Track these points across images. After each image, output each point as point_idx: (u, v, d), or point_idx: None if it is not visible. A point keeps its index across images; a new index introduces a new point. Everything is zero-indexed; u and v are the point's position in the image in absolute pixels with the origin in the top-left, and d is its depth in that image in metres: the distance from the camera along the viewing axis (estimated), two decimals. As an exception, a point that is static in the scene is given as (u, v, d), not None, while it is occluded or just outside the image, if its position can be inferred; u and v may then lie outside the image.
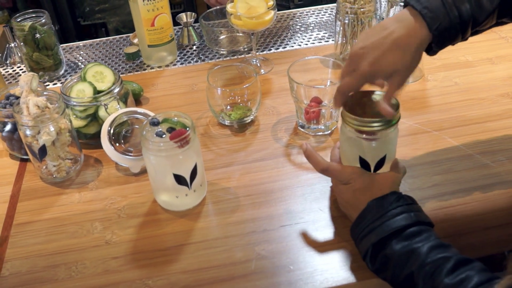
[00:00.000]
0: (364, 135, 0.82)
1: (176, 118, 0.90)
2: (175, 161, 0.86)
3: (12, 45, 1.43)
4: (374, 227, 0.76)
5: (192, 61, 1.38)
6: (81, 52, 1.48)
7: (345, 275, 0.80)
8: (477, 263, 0.69)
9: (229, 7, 1.22)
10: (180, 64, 1.38)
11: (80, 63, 1.43)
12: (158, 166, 0.87)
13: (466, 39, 0.81)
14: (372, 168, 0.86)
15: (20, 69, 1.42)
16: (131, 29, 2.00)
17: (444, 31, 0.76)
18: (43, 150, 0.97)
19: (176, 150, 0.85)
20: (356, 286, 0.79)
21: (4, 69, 1.43)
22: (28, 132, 0.96)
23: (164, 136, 0.88)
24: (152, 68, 1.36)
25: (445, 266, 0.68)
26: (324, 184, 0.96)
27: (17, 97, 1.05)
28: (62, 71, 1.36)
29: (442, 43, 0.78)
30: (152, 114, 1.04)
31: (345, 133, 0.85)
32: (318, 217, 0.90)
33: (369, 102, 0.83)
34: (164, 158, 0.86)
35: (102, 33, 2.89)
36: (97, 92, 1.06)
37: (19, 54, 1.42)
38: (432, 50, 0.80)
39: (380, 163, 0.85)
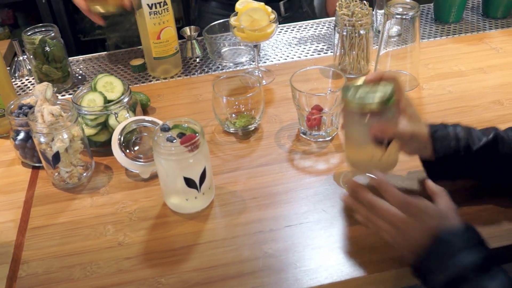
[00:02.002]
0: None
1: (186, 124, 0.95)
2: (185, 165, 0.91)
3: (21, 58, 1.47)
4: (446, 266, 0.73)
5: (196, 73, 1.43)
6: (88, 65, 1.52)
7: (348, 270, 0.84)
8: None
9: (232, 20, 1.27)
10: (185, 75, 1.42)
11: (86, 76, 1.47)
12: (169, 169, 0.92)
13: None
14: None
15: (29, 82, 1.47)
16: (131, 44, 2.05)
17: None
18: (56, 157, 1.01)
19: (186, 154, 0.89)
20: (359, 280, 0.84)
21: (13, 82, 1.47)
22: (42, 140, 1.00)
23: (174, 141, 0.92)
24: (157, 79, 1.41)
25: None
26: (326, 186, 1.01)
27: (30, 107, 1.09)
28: (70, 83, 1.41)
29: None
30: (159, 122, 1.08)
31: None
32: (322, 217, 0.94)
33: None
34: (174, 162, 0.90)
35: (101, 49, 2.94)
36: (107, 101, 1.11)
37: (28, 67, 1.47)
38: None
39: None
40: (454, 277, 0.72)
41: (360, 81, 0.88)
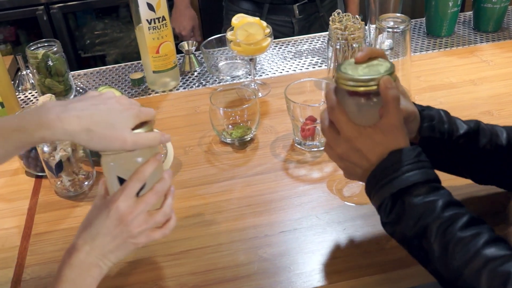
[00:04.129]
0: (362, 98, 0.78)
1: None
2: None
3: (24, 72, 1.51)
4: (394, 177, 0.74)
5: (194, 86, 1.47)
6: (89, 79, 1.57)
7: (341, 274, 0.87)
8: (487, 225, 0.71)
9: (229, 35, 1.32)
10: (183, 89, 1.46)
11: (88, 89, 1.51)
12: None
13: None
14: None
15: (32, 95, 1.51)
16: (130, 60, 2.10)
17: None
18: (59, 166, 1.05)
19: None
20: (352, 284, 0.87)
21: (17, 95, 1.51)
22: (45, 149, 1.04)
23: None
24: (156, 92, 1.45)
25: (459, 221, 0.70)
26: (319, 194, 1.04)
27: (34, 118, 1.13)
28: (72, 96, 1.45)
29: None
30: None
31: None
32: (315, 223, 0.98)
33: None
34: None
35: (101, 65, 2.98)
36: (108, 113, 1.14)
37: (31, 81, 1.51)
38: None
39: None
40: (403, 188, 0.74)
41: (349, 61, 0.80)
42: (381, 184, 0.76)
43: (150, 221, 0.78)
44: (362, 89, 0.76)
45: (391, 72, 0.76)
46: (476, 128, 0.88)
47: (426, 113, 0.86)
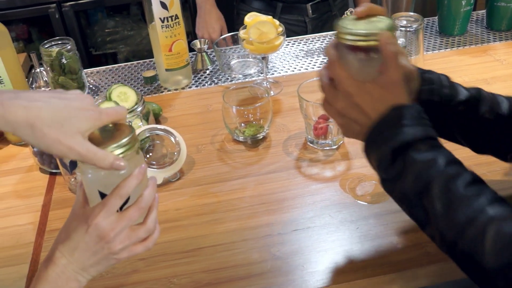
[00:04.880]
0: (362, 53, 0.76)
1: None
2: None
3: (38, 70, 1.52)
4: (395, 133, 0.72)
5: (206, 84, 1.48)
6: (102, 77, 1.57)
7: (354, 272, 0.88)
8: (488, 185, 0.70)
9: (241, 33, 1.32)
10: (195, 87, 1.47)
11: (100, 86, 1.52)
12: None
13: None
14: None
15: (45, 93, 1.51)
16: (141, 58, 2.11)
17: None
18: (73, 163, 1.06)
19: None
20: (364, 283, 0.87)
21: (29, 93, 1.52)
22: (60, 146, 1.04)
23: None
24: (169, 90, 1.46)
25: (462, 178, 0.68)
26: (332, 193, 1.04)
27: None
28: (85, 94, 1.45)
29: None
30: (172, 130, 1.12)
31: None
32: (328, 222, 0.98)
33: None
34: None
35: (112, 63, 3.00)
36: (121, 110, 1.15)
37: (45, 79, 1.52)
38: None
39: None
40: (405, 143, 0.72)
41: (350, 17, 0.79)
42: (380, 140, 0.74)
43: (132, 237, 0.73)
44: (361, 43, 0.74)
45: (391, 28, 0.75)
46: (477, 95, 0.86)
47: (426, 76, 0.84)
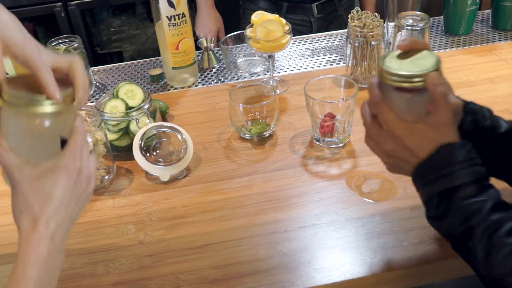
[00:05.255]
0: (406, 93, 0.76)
1: None
2: None
3: (45, 68, 1.53)
4: (444, 174, 0.73)
5: (212, 83, 1.48)
6: (108, 75, 1.58)
7: (360, 269, 0.88)
8: None
9: (248, 32, 1.32)
10: (202, 85, 1.47)
11: (107, 84, 1.53)
12: None
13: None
14: None
15: (52, 90, 1.52)
16: (146, 56, 2.11)
17: None
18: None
19: None
20: (371, 279, 0.87)
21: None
22: (68, 143, 1.05)
23: None
24: (175, 88, 1.46)
25: (505, 226, 0.69)
26: (338, 190, 1.05)
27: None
28: (92, 92, 1.46)
29: None
30: (178, 128, 1.13)
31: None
32: (334, 219, 0.98)
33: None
34: None
35: (117, 61, 3.00)
36: (128, 108, 1.16)
37: (51, 76, 1.52)
38: None
39: None
40: (452, 187, 0.73)
41: (392, 54, 0.79)
42: (429, 179, 0.75)
43: (92, 166, 0.73)
44: (407, 85, 0.75)
45: (437, 66, 0.75)
46: None
47: (470, 107, 0.84)
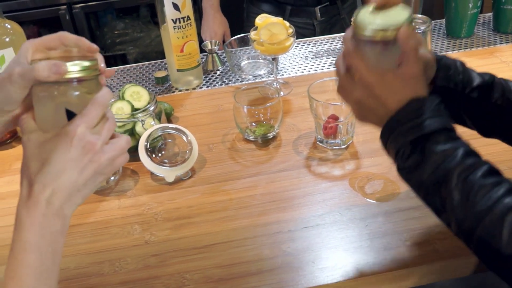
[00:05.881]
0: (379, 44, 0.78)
1: None
2: None
3: (51, 70, 1.55)
4: (414, 125, 0.74)
5: (216, 85, 1.50)
6: (113, 77, 1.60)
7: (363, 269, 0.89)
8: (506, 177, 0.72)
9: (252, 34, 1.34)
10: (206, 87, 1.49)
11: (112, 86, 1.54)
12: None
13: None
14: None
15: (58, 92, 1.54)
16: (150, 59, 2.13)
17: None
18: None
19: None
20: (373, 279, 0.88)
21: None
22: (74, 144, 1.06)
23: None
24: (180, 90, 1.48)
25: (480, 169, 0.71)
26: (342, 191, 1.06)
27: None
28: (97, 94, 1.47)
29: None
30: (183, 129, 1.14)
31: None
32: (337, 220, 0.99)
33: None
34: None
35: (121, 64, 3.02)
36: (134, 109, 1.17)
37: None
38: None
39: None
40: (423, 135, 0.74)
41: (367, 8, 0.80)
42: (399, 131, 0.76)
43: (116, 147, 0.69)
44: (379, 37, 0.76)
45: (410, 20, 0.77)
46: (490, 82, 0.88)
47: (443, 62, 0.86)
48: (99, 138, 0.67)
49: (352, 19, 0.80)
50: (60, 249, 0.68)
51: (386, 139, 0.79)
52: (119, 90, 1.22)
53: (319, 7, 1.87)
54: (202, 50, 1.54)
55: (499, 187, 0.69)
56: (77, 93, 0.68)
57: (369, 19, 0.77)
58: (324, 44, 1.68)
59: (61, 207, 0.66)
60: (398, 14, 0.77)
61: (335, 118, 1.16)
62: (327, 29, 1.94)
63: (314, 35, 1.89)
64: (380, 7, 0.79)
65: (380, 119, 0.79)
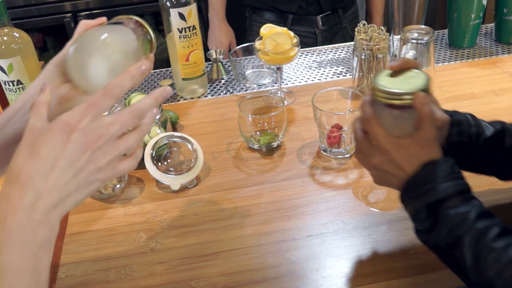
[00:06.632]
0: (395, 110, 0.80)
1: None
2: None
3: (57, 78, 1.56)
4: (429, 189, 0.77)
5: (221, 93, 1.51)
6: (118, 85, 1.61)
7: (367, 277, 0.90)
8: None
9: (257, 44, 1.35)
10: (211, 96, 1.50)
11: (117, 95, 1.55)
12: None
13: None
14: None
15: (64, 100, 1.55)
16: (153, 67, 2.13)
17: None
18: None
19: None
20: (377, 287, 0.89)
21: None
22: (81, 152, 1.07)
23: None
24: (185, 99, 1.49)
25: (491, 232, 0.72)
26: (345, 200, 1.07)
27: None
28: (103, 102, 1.49)
29: None
30: (189, 137, 1.16)
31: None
32: (341, 228, 1.00)
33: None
34: None
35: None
36: (140, 118, 1.18)
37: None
38: None
39: None
40: (438, 200, 0.76)
41: (384, 72, 0.83)
42: (416, 195, 0.78)
43: (121, 147, 0.60)
44: (397, 102, 0.79)
45: (426, 85, 0.79)
46: (501, 129, 0.91)
47: (455, 118, 0.89)
48: (104, 135, 0.57)
49: (369, 84, 0.82)
50: (46, 266, 0.57)
51: (404, 201, 0.82)
52: (125, 99, 1.23)
53: (320, 16, 1.89)
54: (207, 59, 1.55)
55: (508, 249, 0.71)
56: None
57: (388, 84, 0.80)
58: (328, 54, 1.69)
59: (47, 215, 0.55)
60: (415, 80, 0.80)
61: (339, 127, 1.17)
62: (329, 38, 1.95)
63: (316, 44, 1.90)
64: (399, 71, 0.82)
65: (398, 182, 0.82)
